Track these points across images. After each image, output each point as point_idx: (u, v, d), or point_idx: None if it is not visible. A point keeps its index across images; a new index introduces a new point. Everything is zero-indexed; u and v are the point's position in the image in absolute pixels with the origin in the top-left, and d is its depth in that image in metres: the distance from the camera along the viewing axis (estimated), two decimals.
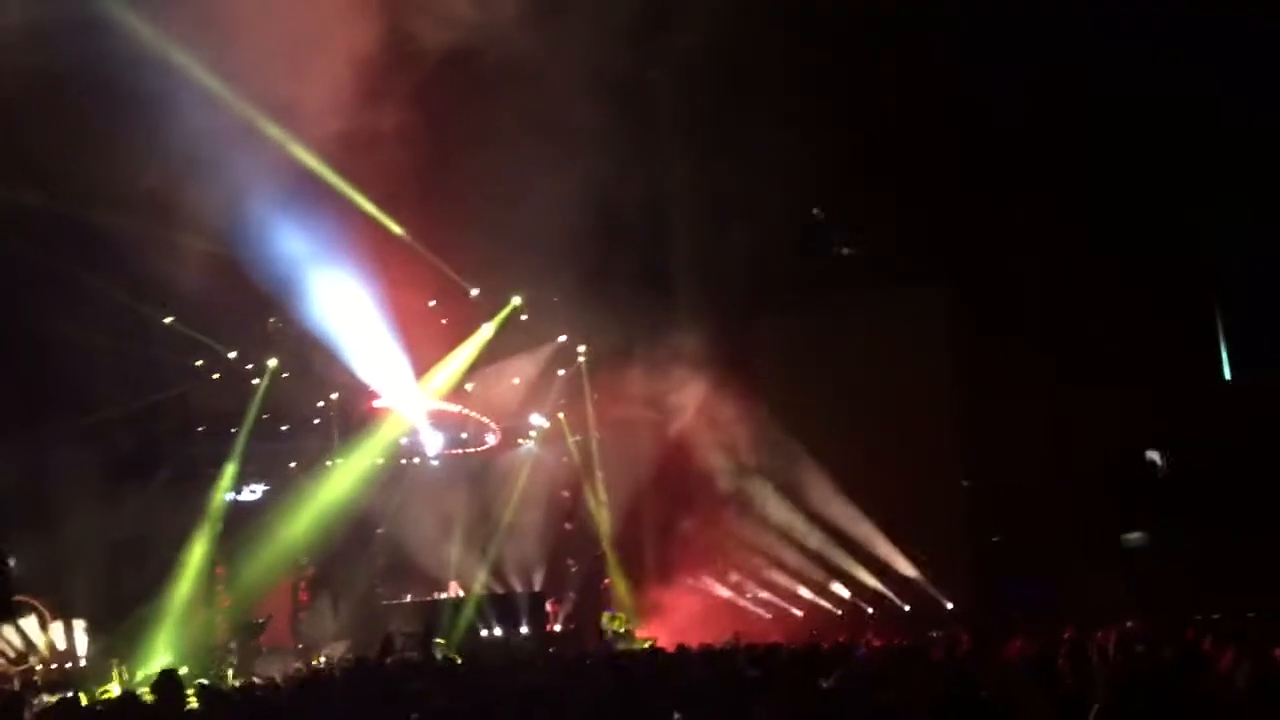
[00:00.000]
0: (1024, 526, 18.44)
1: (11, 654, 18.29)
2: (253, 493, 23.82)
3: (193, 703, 8.53)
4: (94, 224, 16.74)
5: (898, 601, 19.63)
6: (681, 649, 11.91)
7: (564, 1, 14.68)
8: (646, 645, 17.64)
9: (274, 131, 15.92)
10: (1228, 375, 18.01)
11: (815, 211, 20.34)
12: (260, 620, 21.71)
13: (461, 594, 22.50)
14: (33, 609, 19.04)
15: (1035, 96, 16.71)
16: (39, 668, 18.24)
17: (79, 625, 20.03)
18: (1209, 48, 15.48)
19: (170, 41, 14.25)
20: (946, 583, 19.16)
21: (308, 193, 17.07)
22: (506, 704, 6.22)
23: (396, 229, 18.61)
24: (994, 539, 19.17)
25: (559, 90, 15.34)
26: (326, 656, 19.12)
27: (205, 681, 12.50)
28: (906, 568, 19.48)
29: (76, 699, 9.55)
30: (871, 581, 19.88)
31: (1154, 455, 18.18)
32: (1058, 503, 17.89)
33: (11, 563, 20.37)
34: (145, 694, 9.09)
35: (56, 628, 19.62)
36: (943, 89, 16.75)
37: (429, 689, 6.76)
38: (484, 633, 21.61)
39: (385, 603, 23.61)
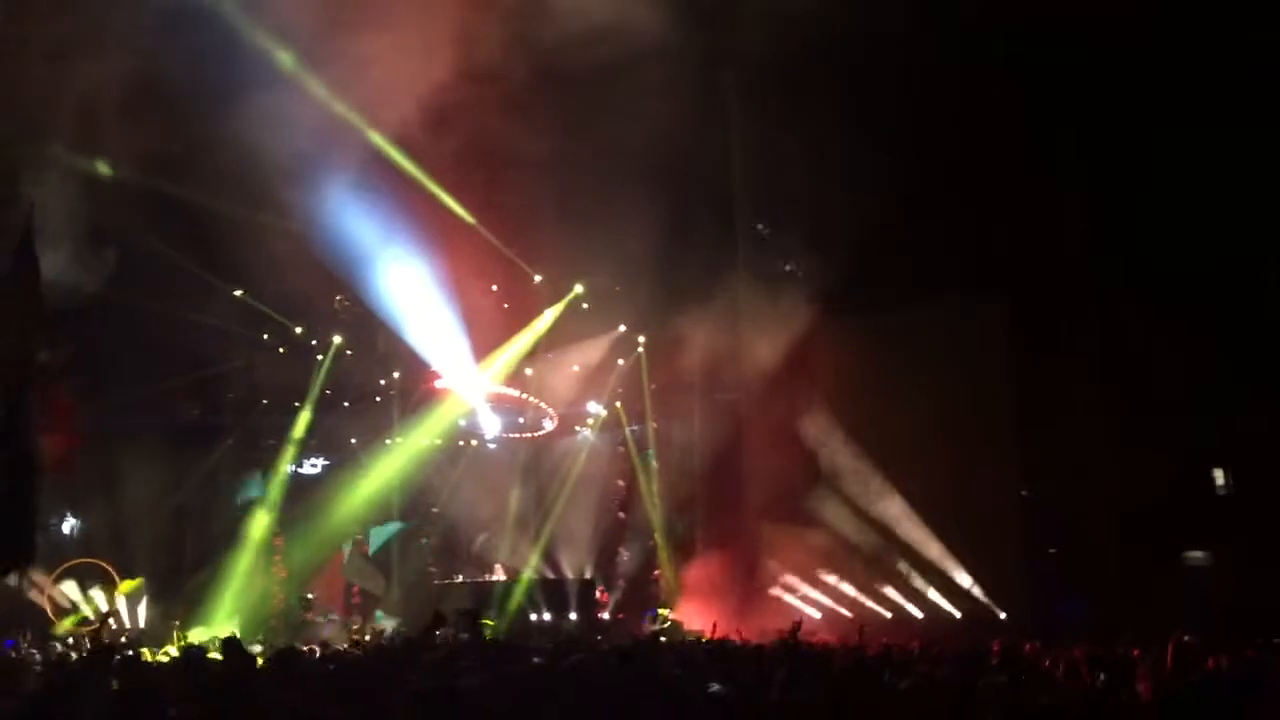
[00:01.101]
0: (1082, 540, 18.17)
1: (78, 614, 18.73)
2: (314, 466, 24.19)
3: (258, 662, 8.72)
4: (167, 196, 17.09)
5: (950, 609, 19.44)
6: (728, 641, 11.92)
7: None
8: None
9: (350, 116, 16.17)
10: None
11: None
12: (310, 595, 22.08)
13: (504, 578, 22.71)
14: (99, 571, 19.48)
15: (1103, 113, 16.48)
16: (101, 628, 18.67)
17: (141, 591, 20.46)
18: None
19: (254, 26, 14.54)
20: (1001, 593, 18.94)
21: (380, 176, 17.30)
22: (548, 684, 6.27)
23: (464, 214, 18.79)
24: (1051, 551, 18.89)
25: (629, 85, 15.38)
26: (378, 631, 19.37)
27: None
28: (961, 576, 19.29)
29: (139, 656, 9.75)
30: (924, 588, 19.72)
31: (1218, 473, 17.79)
32: (1118, 518, 17.61)
33: (67, 527, 20.93)
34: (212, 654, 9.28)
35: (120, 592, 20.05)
36: (1008, 102, 16.58)
37: (472, 666, 6.83)
38: (533, 617, 21.76)
39: (437, 582, 23.87)
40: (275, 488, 22.46)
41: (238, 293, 20.61)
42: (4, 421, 11.28)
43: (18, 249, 11.94)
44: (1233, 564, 16.81)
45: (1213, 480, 17.72)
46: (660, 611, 20.44)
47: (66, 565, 19.11)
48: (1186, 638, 8.99)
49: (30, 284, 11.95)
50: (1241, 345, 16.76)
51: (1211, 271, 16.75)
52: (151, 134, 15.24)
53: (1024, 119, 16.90)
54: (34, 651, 13.39)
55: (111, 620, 18.30)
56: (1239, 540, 16.63)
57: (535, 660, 7.62)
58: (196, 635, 17.10)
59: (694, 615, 19.61)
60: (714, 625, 13.59)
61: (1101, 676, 8.00)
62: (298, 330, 22.04)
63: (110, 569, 19.23)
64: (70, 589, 19.10)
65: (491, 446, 25.05)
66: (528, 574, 22.78)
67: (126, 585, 19.34)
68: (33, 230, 12.05)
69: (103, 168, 16.06)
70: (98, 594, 19.17)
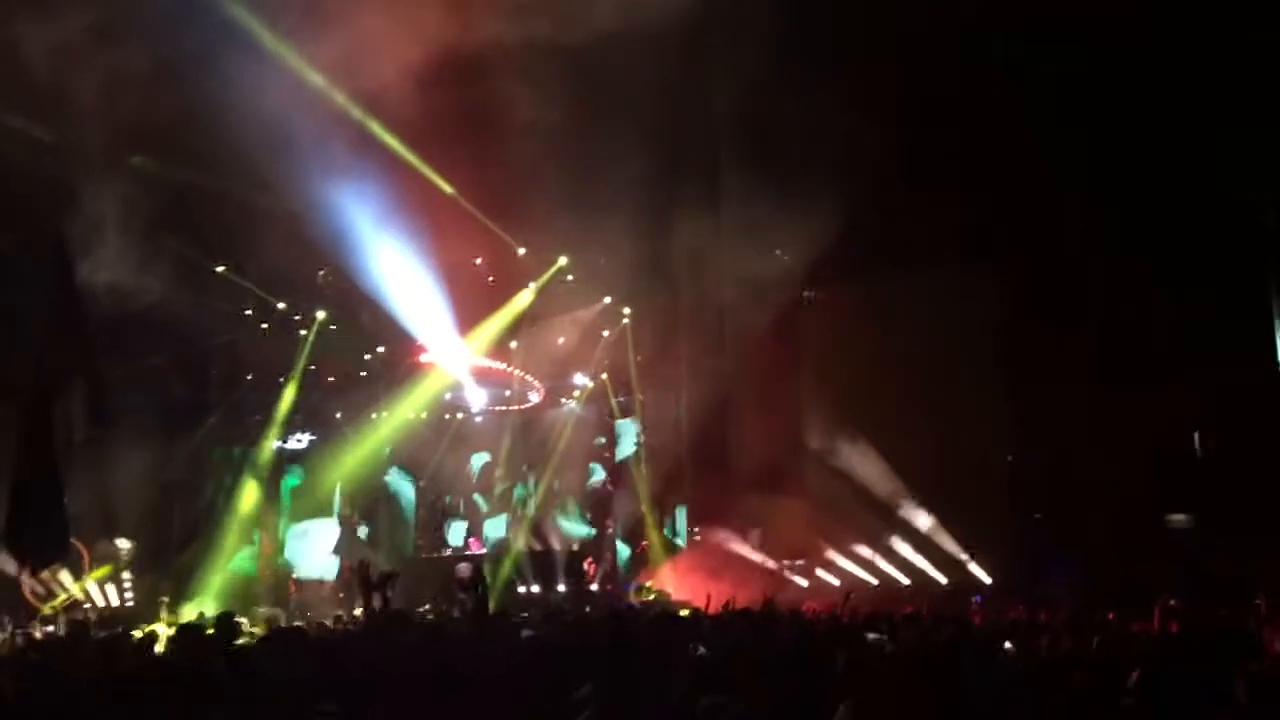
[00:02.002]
0: (1067, 504, 18.29)
1: (62, 595, 18.68)
2: (299, 442, 24.18)
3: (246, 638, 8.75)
4: (148, 173, 16.96)
5: (937, 575, 19.59)
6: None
7: None
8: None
9: (331, 87, 16.04)
10: None
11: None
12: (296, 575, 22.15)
13: (481, 551, 22.85)
14: (80, 550, 19.42)
15: (1100, 82, 16.44)
16: (86, 607, 18.64)
17: (127, 566, 20.44)
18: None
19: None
20: (987, 559, 19.09)
21: (360, 148, 17.17)
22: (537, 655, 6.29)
23: (446, 186, 18.69)
24: (1036, 515, 19.03)
25: (613, 55, 15.28)
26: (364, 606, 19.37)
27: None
28: (947, 542, 19.42)
29: (128, 635, 9.76)
30: (911, 555, 19.85)
31: (1200, 438, 17.90)
32: (1102, 482, 17.72)
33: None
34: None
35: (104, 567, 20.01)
36: (1006, 70, 16.52)
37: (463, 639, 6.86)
38: (521, 590, 21.85)
39: (424, 556, 23.95)
40: (261, 464, 22.47)
41: (220, 269, 20.50)
42: (40, 415, 11.28)
43: (51, 252, 11.91)
44: (1215, 528, 16.96)
45: (1195, 445, 17.83)
46: (646, 584, 20.51)
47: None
48: (1172, 602, 9.11)
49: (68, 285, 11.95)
50: (1226, 311, 16.84)
51: (1197, 237, 16.79)
52: (129, 106, 15.09)
53: (1013, 85, 16.83)
54: (19, 633, 13.38)
55: (87, 601, 18.32)
56: (1221, 504, 16.77)
57: (525, 633, 7.64)
58: (186, 613, 17.13)
59: (681, 586, 19.70)
60: (708, 597, 13.62)
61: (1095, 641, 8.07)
62: (281, 306, 21.95)
63: (84, 550, 19.13)
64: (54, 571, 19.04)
65: (478, 420, 25.05)
66: (517, 546, 22.86)
67: (97, 573, 19.26)
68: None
69: (80, 140, 15.91)
70: (66, 575, 19.11)
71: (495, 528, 24.09)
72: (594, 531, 23.46)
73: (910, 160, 17.38)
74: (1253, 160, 16.25)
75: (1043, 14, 15.62)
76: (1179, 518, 18.02)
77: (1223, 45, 15.36)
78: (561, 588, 21.93)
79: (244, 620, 12.69)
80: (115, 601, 19.29)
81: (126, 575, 19.86)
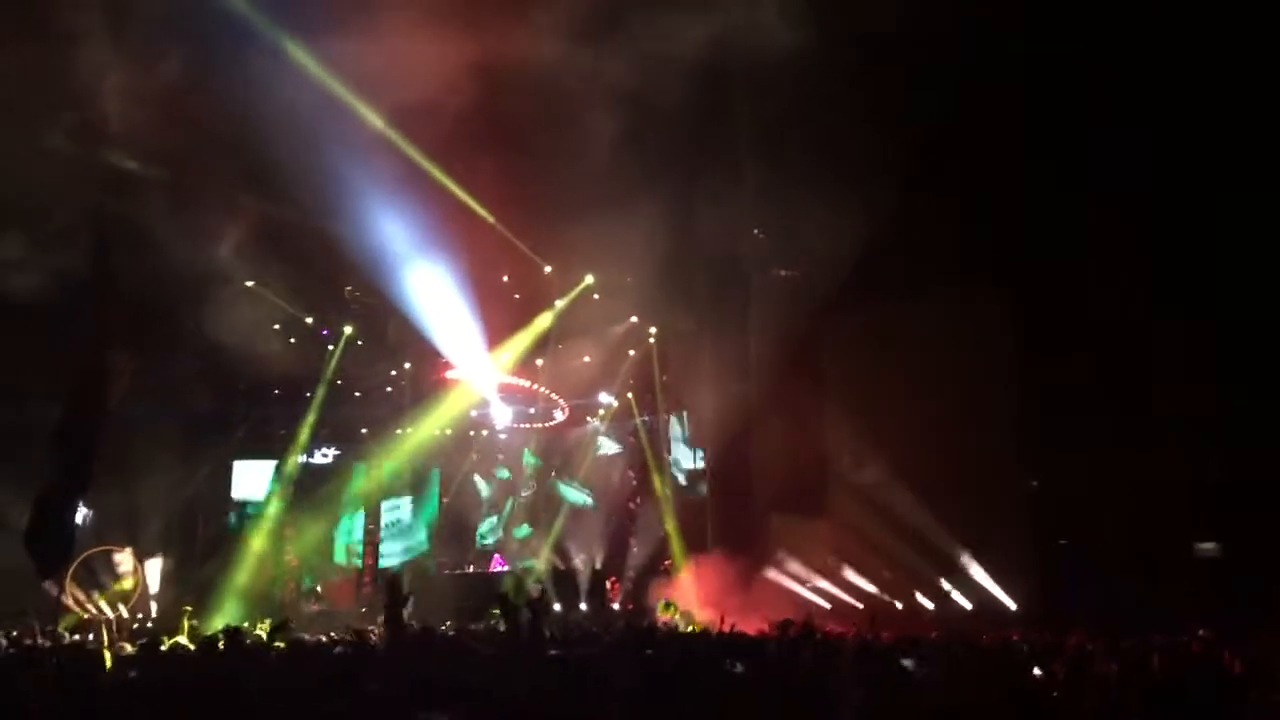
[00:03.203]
0: (1092, 531, 18.15)
1: (91, 606, 18.81)
2: (324, 456, 24.29)
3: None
4: (181, 186, 17.13)
5: (961, 600, 19.45)
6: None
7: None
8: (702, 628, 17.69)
9: (361, 105, 16.19)
10: None
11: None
12: (319, 587, 22.21)
13: (505, 569, 22.87)
14: (110, 559, 19.56)
15: (1107, 106, 16.41)
16: (112, 617, 18.76)
17: (153, 578, 20.57)
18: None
19: (270, 17, 14.59)
20: (1012, 584, 18.95)
21: (390, 166, 17.31)
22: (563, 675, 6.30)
23: (475, 205, 18.79)
24: (1061, 542, 18.88)
25: (640, 81, 15.38)
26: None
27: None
28: (972, 566, 19.30)
29: (156, 645, 9.81)
30: (935, 579, 19.73)
31: (1225, 465, 17.71)
32: (1128, 509, 17.58)
33: (79, 517, 21.03)
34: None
35: (133, 580, 20.13)
36: (1012, 93, 16.54)
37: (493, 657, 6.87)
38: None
39: (446, 573, 23.98)
40: (286, 477, 22.58)
41: (249, 283, 20.65)
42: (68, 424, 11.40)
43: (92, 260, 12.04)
44: (1240, 555, 16.80)
45: (1220, 472, 17.67)
46: (671, 601, 20.41)
47: (83, 555, 19.15)
48: (1201, 632, 9.02)
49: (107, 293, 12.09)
50: (1249, 335, 16.72)
51: (1217, 262, 16.69)
52: (161, 123, 15.26)
53: (1029, 111, 16.83)
54: (45, 642, 13.47)
55: (110, 610, 18.44)
56: (1245, 531, 16.61)
57: (552, 653, 7.65)
58: (210, 624, 17.19)
59: (704, 605, 19.64)
60: (721, 618, 13.57)
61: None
62: (309, 320, 22.08)
63: (129, 553, 19.26)
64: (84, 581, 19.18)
65: (502, 437, 25.10)
66: (539, 565, 22.86)
67: (124, 584, 19.40)
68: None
69: (116, 158, 16.11)
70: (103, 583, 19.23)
71: (518, 546, 24.10)
72: (592, 501, 23.47)
73: (932, 185, 17.41)
74: (1265, 176, 16.15)
75: (1052, 35, 15.66)
76: (1207, 546, 17.86)
77: (1233, 64, 15.30)
78: (584, 606, 21.90)
79: (262, 632, 12.78)
80: (140, 614, 19.41)
81: (154, 587, 19.99)
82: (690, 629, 16.80)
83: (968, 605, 19.31)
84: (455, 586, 22.55)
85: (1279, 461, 16.34)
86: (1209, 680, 6.62)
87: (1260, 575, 15.55)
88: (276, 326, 21.98)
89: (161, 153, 15.99)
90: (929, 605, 19.67)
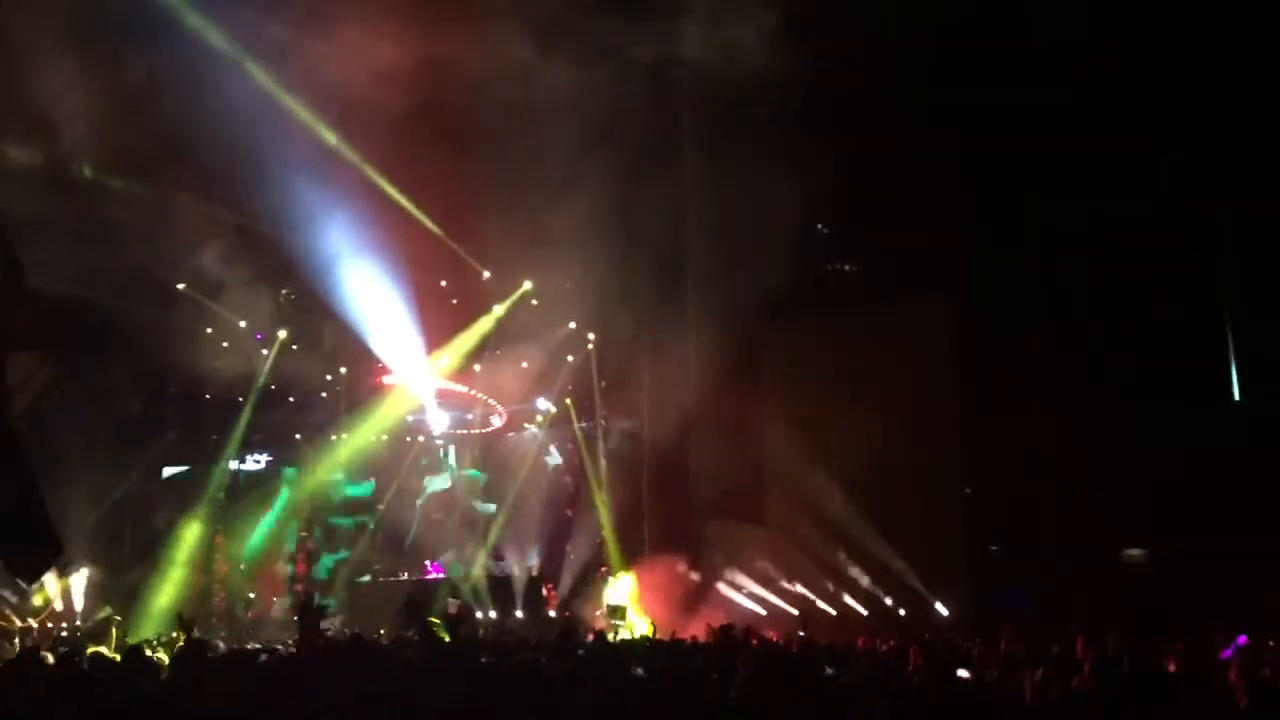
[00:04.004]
0: (1024, 537, 18.41)
1: (13, 615, 18.35)
2: (256, 462, 23.95)
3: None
4: (111, 188, 16.83)
5: (895, 606, 19.62)
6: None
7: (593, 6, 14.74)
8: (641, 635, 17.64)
9: (297, 108, 16.01)
10: (1237, 396, 17.91)
11: (820, 227, 20.40)
12: (251, 595, 21.87)
13: (441, 576, 22.75)
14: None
15: (1043, 108, 16.67)
16: (36, 626, 18.34)
17: (78, 586, 20.13)
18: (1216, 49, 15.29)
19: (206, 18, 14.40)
20: (945, 590, 19.15)
21: (327, 169, 17.13)
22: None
23: (413, 209, 18.65)
24: (993, 548, 19.13)
25: (580, 85, 15.37)
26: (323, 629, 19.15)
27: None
28: (906, 572, 19.46)
29: (77, 657, 9.57)
30: (870, 585, 19.87)
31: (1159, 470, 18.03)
32: (1058, 515, 17.87)
33: None
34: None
35: (55, 587, 19.69)
36: (949, 99, 16.75)
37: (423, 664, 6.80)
38: (479, 615, 21.68)
39: (382, 579, 23.73)
40: (217, 483, 22.22)
41: (180, 286, 20.32)
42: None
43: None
44: (1172, 562, 17.10)
45: (1153, 477, 17.98)
46: (619, 605, 20.17)
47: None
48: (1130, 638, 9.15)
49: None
50: (1189, 345, 17.06)
51: (1154, 271, 16.99)
52: (93, 126, 14.99)
53: (971, 117, 17.03)
54: None
55: (34, 619, 18.02)
56: (1176, 537, 16.91)
57: (483, 660, 7.58)
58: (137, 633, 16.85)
59: (642, 611, 19.62)
60: (652, 625, 13.56)
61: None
62: (242, 324, 21.75)
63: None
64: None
65: (439, 443, 24.92)
66: (475, 571, 22.72)
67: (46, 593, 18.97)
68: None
69: (45, 158, 15.78)
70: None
71: (455, 552, 23.91)
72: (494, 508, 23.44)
73: (870, 191, 17.57)
74: (1210, 187, 16.45)
75: (993, 41, 15.88)
76: (1135, 552, 18.18)
77: (1177, 73, 15.59)
78: (520, 613, 21.78)
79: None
80: (65, 624, 18.99)
81: (79, 596, 19.58)
82: (631, 636, 16.80)
83: (902, 611, 19.49)
84: (391, 594, 22.32)
85: (1206, 468, 16.68)
86: (1136, 683, 6.70)
87: (1187, 581, 15.86)
88: (209, 330, 21.64)
89: (88, 151, 15.68)
90: (864, 611, 19.81)
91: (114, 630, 17.26)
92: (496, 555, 23.45)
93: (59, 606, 19.32)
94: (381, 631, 16.25)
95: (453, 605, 14.86)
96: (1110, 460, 17.51)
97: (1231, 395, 17.58)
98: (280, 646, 13.07)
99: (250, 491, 23.57)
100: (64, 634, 18.11)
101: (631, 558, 22.03)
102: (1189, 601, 15.01)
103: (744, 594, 20.85)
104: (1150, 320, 16.84)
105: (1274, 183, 15.83)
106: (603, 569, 22.65)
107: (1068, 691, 6.70)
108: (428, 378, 21.85)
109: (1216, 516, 16.09)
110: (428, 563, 23.74)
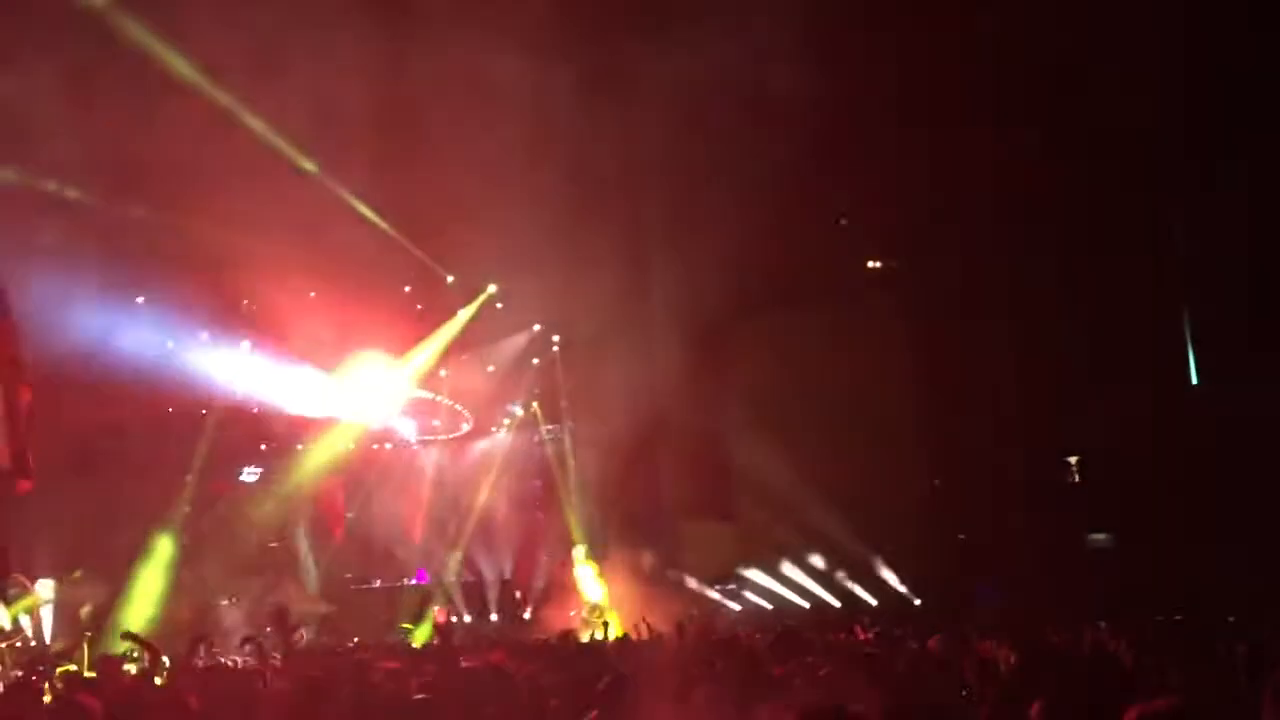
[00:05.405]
0: (991, 526, 18.62)
1: None
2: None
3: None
4: (74, 202, 16.63)
5: (866, 597, 19.78)
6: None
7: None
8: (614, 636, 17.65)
9: (248, 117, 15.86)
10: (1195, 380, 18.19)
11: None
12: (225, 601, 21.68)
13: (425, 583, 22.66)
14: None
15: (999, 92, 16.76)
16: (4, 645, 18.08)
17: (45, 604, 19.87)
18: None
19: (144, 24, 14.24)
20: (915, 581, 19.33)
21: (287, 177, 17.00)
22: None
23: (374, 216, 18.56)
24: (960, 537, 19.34)
25: (542, 82, 15.36)
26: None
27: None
28: (876, 565, 19.63)
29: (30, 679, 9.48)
30: (840, 578, 20.02)
31: (1120, 457, 18.27)
32: (1024, 503, 18.09)
33: None
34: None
35: (21, 605, 19.42)
36: (906, 87, 16.80)
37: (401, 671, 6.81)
38: (453, 619, 21.64)
39: (354, 587, 23.62)
40: (184, 496, 21.99)
41: (139, 299, 20.12)
42: None
43: None
44: (1134, 545, 17.35)
45: (1115, 464, 18.22)
46: (598, 604, 20.13)
47: None
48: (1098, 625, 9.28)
49: None
50: (1147, 331, 17.30)
51: (1109, 259, 17.21)
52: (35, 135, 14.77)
53: (921, 106, 17.08)
54: None
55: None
56: (1140, 522, 17.15)
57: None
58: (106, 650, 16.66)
59: (614, 610, 19.65)
60: (604, 625, 13.61)
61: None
62: (205, 335, 21.54)
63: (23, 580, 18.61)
64: None
65: (407, 450, 24.82)
66: (447, 577, 22.66)
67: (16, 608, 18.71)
68: None
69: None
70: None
71: (428, 558, 23.83)
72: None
73: (824, 185, 17.62)
74: (1162, 182, 16.68)
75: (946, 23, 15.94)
76: (1100, 537, 18.43)
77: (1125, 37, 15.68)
78: (494, 617, 21.76)
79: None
80: (35, 641, 18.75)
81: (48, 613, 19.34)
82: (607, 636, 16.82)
83: (874, 603, 19.65)
84: (365, 601, 22.23)
85: (1166, 454, 16.94)
86: (1101, 673, 6.83)
87: (1148, 562, 16.11)
88: (171, 345, 21.41)
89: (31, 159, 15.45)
90: (835, 604, 19.97)
91: (86, 647, 17.08)
92: (468, 560, 23.40)
93: (27, 627, 19.05)
94: (355, 640, 16.20)
95: (440, 613, 14.89)
96: (1074, 446, 17.75)
97: (1189, 378, 17.87)
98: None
99: (218, 503, 23.34)
100: (31, 654, 17.87)
101: (602, 558, 22.08)
102: (1155, 586, 15.24)
103: (716, 591, 20.95)
104: (1110, 307, 17.07)
105: (1224, 181, 16.09)
106: (574, 569, 22.66)
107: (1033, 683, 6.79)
108: (394, 385, 21.74)
109: (1180, 500, 16.34)
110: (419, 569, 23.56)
